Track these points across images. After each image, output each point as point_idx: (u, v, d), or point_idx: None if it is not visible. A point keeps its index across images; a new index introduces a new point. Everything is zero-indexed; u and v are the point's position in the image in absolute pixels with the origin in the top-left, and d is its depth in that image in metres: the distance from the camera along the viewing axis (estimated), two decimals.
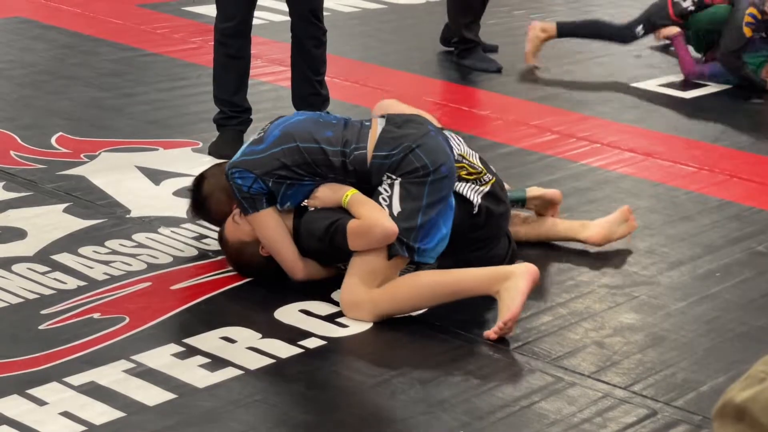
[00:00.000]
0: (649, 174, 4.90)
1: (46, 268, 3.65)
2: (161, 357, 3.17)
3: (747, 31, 6.03)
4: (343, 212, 3.52)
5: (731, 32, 6.09)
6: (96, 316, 3.38)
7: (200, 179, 3.86)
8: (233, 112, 4.80)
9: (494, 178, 3.80)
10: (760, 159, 5.18)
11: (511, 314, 3.37)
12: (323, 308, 3.51)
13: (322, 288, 3.60)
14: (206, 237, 3.96)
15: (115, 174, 4.45)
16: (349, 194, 3.52)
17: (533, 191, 4.08)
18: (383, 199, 3.50)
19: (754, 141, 5.42)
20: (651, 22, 6.46)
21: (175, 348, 3.22)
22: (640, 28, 6.47)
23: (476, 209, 3.70)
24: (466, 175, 3.72)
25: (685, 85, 6.24)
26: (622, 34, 6.50)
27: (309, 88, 4.86)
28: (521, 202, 4.06)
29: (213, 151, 4.72)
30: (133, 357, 3.15)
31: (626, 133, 5.41)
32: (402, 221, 3.46)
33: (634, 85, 6.21)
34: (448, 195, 3.56)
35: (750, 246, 4.19)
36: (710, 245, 4.18)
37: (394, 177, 3.51)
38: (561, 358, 3.31)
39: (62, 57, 5.99)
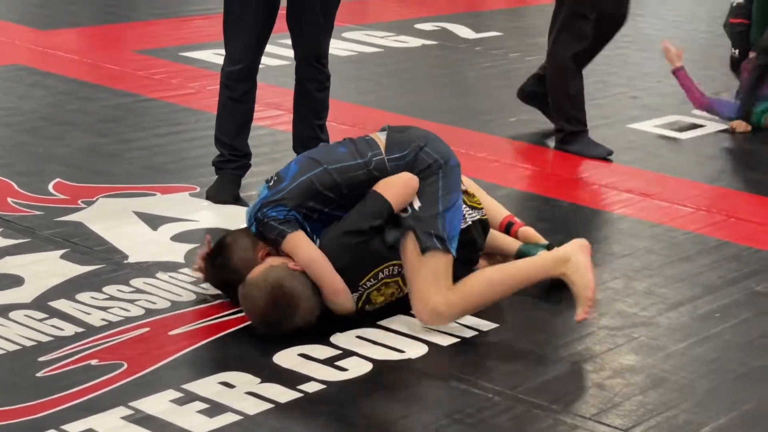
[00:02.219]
0: (647, 215, 4.90)
1: (44, 315, 3.64)
2: (159, 403, 3.15)
3: None
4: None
5: None
6: (94, 362, 3.36)
7: (219, 244, 3.77)
8: (232, 156, 4.80)
9: (486, 216, 3.91)
10: (758, 199, 5.18)
11: (591, 289, 3.63)
12: (323, 352, 3.49)
13: (322, 331, 3.59)
14: (204, 282, 3.95)
15: (113, 219, 4.45)
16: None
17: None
18: None
19: (751, 181, 5.42)
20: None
21: (174, 394, 3.20)
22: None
23: (465, 225, 3.79)
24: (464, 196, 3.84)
25: (682, 126, 6.26)
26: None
27: (309, 131, 4.87)
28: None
29: (211, 195, 4.72)
30: (131, 403, 3.14)
31: (624, 174, 5.41)
32: (424, 211, 3.65)
33: (631, 126, 6.23)
34: (459, 185, 3.77)
35: (749, 286, 4.18)
36: (709, 286, 4.17)
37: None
38: (562, 401, 3.29)
39: (60, 103, 6.01)
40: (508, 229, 4.17)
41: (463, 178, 3.90)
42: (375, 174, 3.72)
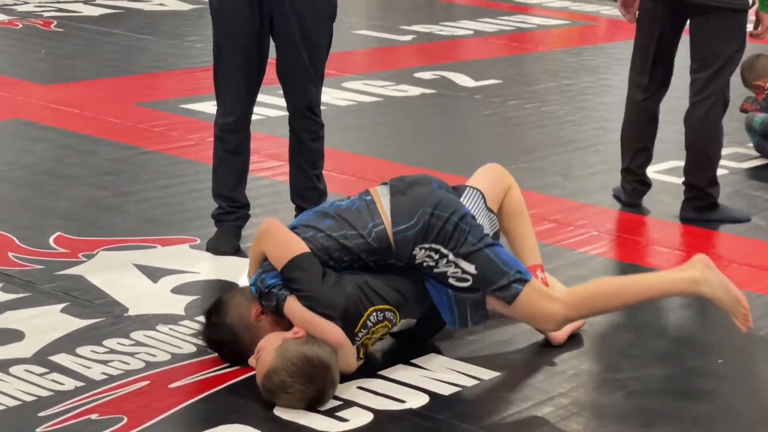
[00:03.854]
0: (648, 261, 4.89)
1: (44, 370, 3.63)
2: None
3: None
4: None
5: None
6: (94, 416, 3.35)
7: (215, 303, 3.76)
8: (231, 208, 4.81)
9: None
10: (759, 244, 5.17)
11: (741, 300, 3.67)
12: (323, 404, 3.48)
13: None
14: None
15: (114, 273, 4.45)
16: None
17: None
18: (455, 277, 3.62)
19: (751, 226, 5.42)
20: None
21: None
22: None
23: None
24: None
25: (680, 171, 6.25)
26: None
27: (306, 182, 4.88)
28: None
29: (211, 247, 4.72)
30: None
31: (624, 220, 5.41)
32: (490, 273, 3.61)
33: None
34: (481, 227, 3.71)
35: (752, 331, 4.15)
36: (712, 331, 4.15)
37: (430, 247, 3.62)
38: None
39: (61, 157, 6.03)
40: None
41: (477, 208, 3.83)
42: (374, 246, 3.64)
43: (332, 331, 3.53)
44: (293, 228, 3.73)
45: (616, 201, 5.66)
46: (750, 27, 5.48)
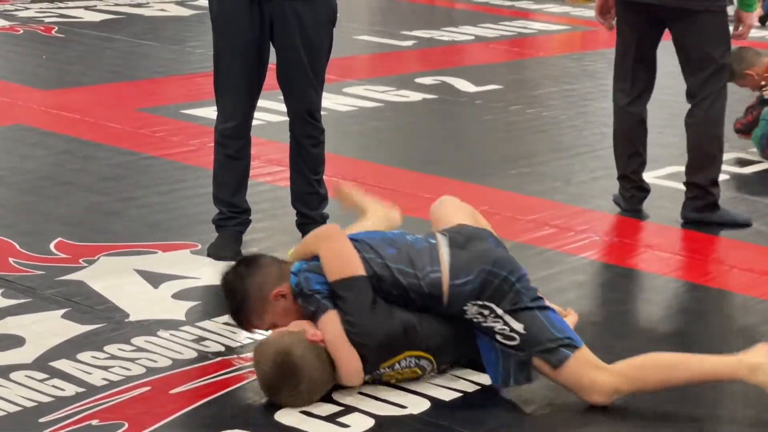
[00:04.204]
0: (647, 266, 4.89)
1: (45, 375, 3.63)
2: None
3: None
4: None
5: None
6: (94, 422, 3.35)
7: (253, 258, 3.77)
8: (232, 213, 4.81)
9: None
10: (760, 249, 5.17)
11: None
12: (324, 408, 3.48)
13: None
14: (205, 339, 3.94)
15: (114, 278, 4.45)
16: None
17: None
18: (502, 334, 3.54)
19: (752, 232, 5.41)
20: None
21: None
22: None
23: None
24: None
25: (682, 177, 6.25)
26: None
27: (307, 187, 4.88)
28: None
29: (212, 253, 4.72)
30: None
31: (625, 225, 5.41)
32: (538, 334, 3.53)
33: None
34: (534, 290, 3.62)
35: (753, 336, 4.15)
36: (713, 337, 4.15)
37: (483, 304, 3.55)
38: None
39: (62, 162, 6.03)
40: None
41: None
42: (425, 291, 3.57)
43: (351, 363, 3.50)
44: (354, 240, 3.67)
45: (613, 204, 5.66)
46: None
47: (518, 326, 3.54)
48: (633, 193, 5.56)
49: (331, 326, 3.51)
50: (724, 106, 5.35)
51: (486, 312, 3.56)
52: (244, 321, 3.69)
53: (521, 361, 3.56)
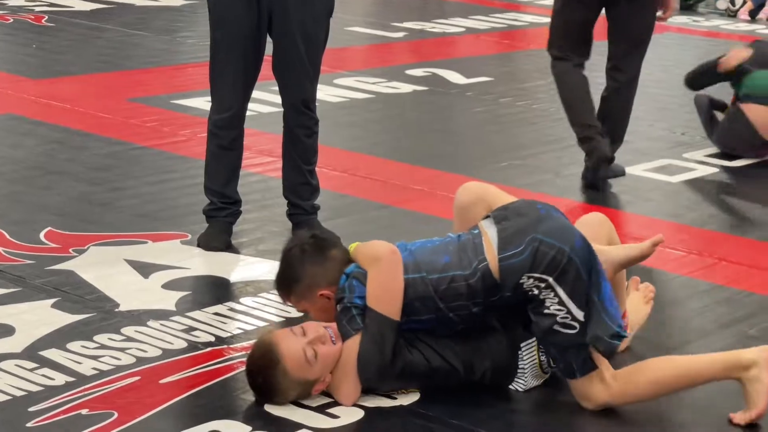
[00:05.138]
0: None
1: (34, 365, 3.63)
2: None
3: None
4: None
5: None
6: (84, 412, 3.35)
7: (325, 238, 3.70)
8: (223, 204, 4.81)
9: None
10: (749, 242, 5.19)
11: (757, 412, 3.42)
12: (314, 399, 3.48)
13: None
14: (195, 329, 3.94)
15: (104, 268, 4.45)
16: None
17: None
18: (556, 310, 3.40)
19: (741, 224, 5.44)
20: None
21: None
22: None
23: None
24: None
25: (672, 169, 6.28)
26: None
27: (299, 177, 4.88)
28: None
29: (202, 243, 4.72)
30: None
31: (614, 218, 5.41)
32: (595, 325, 3.41)
33: None
34: (597, 261, 3.46)
35: (741, 330, 4.18)
36: (701, 330, 4.17)
37: (540, 277, 3.39)
38: None
39: (52, 152, 6.02)
40: None
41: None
42: (477, 287, 3.42)
43: (351, 392, 3.46)
44: (409, 251, 3.53)
45: (602, 197, 5.67)
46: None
47: (579, 314, 3.41)
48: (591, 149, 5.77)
49: (351, 350, 3.45)
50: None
51: (542, 285, 3.38)
52: (282, 294, 3.67)
53: (579, 347, 3.44)
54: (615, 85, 5.84)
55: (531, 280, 3.41)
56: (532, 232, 3.42)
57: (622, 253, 3.77)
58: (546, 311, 3.43)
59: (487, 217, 3.58)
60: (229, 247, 4.71)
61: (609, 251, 3.73)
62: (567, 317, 3.41)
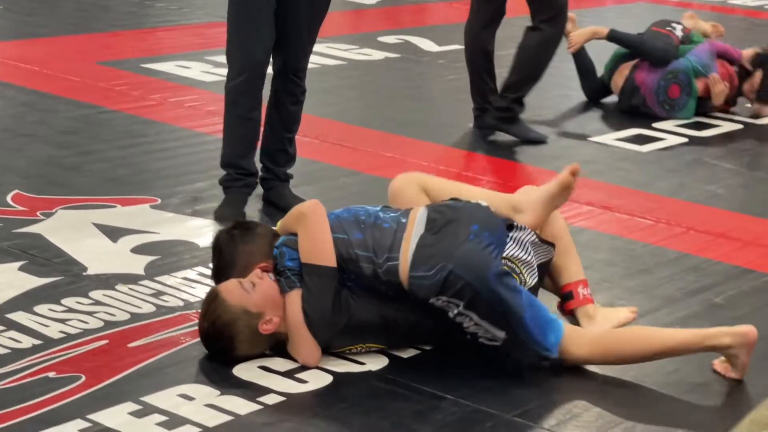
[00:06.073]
0: (606, 227, 4.92)
1: (1, 327, 3.61)
2: (117, 416, 3.13)
3: None
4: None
5: None
6: (51, 375, 3.34)
7: (250, 225, 3.76)
8: (239, 175, 4.75)
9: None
10: (716, 212, 5.22)
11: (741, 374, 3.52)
12: (282, 364, 3.48)
13: (281, 344, 3.58)
14: (164, 294, 3.93)
15: (72, 231, 4.42)
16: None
17: None
18: (475, 329, 3.45)
19: (710, 194, 5.46)
20: None
21: (132, 406, 3.19)
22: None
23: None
24: None
25: (642, 139, 6.30)
26: (665, 56, 6.68)
27: (278, 143, 4.85)
28: None
29: (219, 215, 4.64)
30: (89, 416, 3.12)
31: (584, 186, 5.43)
32: (521, 342, 3.45)
33: (592, 139, 6.26)
34: (515, 283, 3.49)
35: (708, 298, 4.21)
36: (668, 297, 4.20)
37: (449, 300, 3.43)
38: (522, 412, 3.30)
39: (20, 115, 5.97)
40: (564, 298, 3.84)
41: (519, 252, 3.63)
42: (383, 278, 3.46)
43: (309, 351, 3.47)
44: (335, 217, 3.60)
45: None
46: None
47: (500, 333, 3.46)
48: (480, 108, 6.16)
49: (294, 307, 3.48)
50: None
51: (459, 314, 3.44)
52: (222, 280, 3.62)
53: (521, 345, 3.49)
54: (530, 38, 6.18)
55: (441, 302, 3.46)
56: (445, 259, 3.43)
57: (543, 192, 3.81)
58: (465, 328, 3.49)
59: (427, 207, 3.61)
60: (243, 219, 4.64)
61: (528, 195, 3.81)
62: (487, 334, 3.48)
